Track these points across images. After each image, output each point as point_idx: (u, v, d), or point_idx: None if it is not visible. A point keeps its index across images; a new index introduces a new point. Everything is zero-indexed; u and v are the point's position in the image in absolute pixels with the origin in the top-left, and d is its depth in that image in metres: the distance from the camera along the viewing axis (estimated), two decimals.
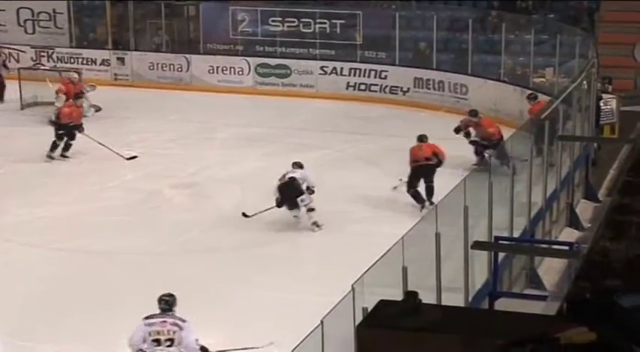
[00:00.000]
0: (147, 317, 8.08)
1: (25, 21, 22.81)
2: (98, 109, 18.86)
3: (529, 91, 17.13)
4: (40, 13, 22.71)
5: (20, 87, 19.17)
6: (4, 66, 20.33)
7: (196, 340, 8.19)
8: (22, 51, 22.13)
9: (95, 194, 14.16)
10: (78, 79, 18.64)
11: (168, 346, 7.93)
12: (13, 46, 22.11)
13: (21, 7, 22.72)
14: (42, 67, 20.82)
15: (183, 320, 8.09)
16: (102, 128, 17.49)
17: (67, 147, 15.84)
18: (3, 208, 13.51)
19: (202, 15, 22.22)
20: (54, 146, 15.69)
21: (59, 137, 15.74)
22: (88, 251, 11.88)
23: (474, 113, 15.52)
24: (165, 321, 8.03)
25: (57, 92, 17.89)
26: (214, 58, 21.51)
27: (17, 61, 21.70)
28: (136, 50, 22.14)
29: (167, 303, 8.14)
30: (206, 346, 8.52)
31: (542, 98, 15.74)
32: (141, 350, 8.09)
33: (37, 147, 16.09)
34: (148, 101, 20.17)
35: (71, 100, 16.79)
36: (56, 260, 11.65)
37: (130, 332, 8.29)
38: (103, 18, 23.03)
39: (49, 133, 15.96)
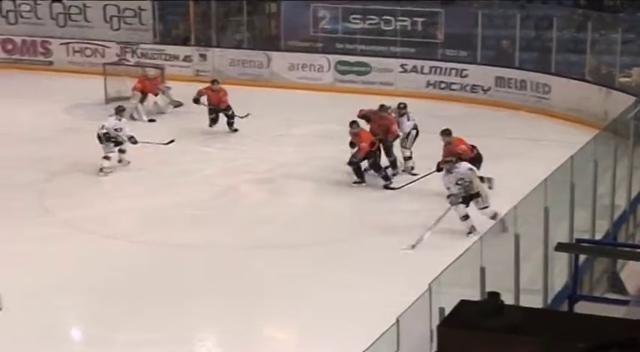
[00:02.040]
0: None
1: (111, 17, 23.22)
2: (179, 105, 19.09)
3: (614, 91, 16.74)
4: (125, 9, 23.11)
5: (105, 82, 19.52)
6: None
7: None
8: (107, 46, 22.59)
9: (173, 188, 14.30)
10: (155, 75, 18.88)
11: None
12: (99, 42, 22.64)
13: (107, 4, 23.14)
14: (126, 63, 21.16)
15: None
16: (182, 123, 17.74)
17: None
18: (85, 201, 13.77)
19: (283, 12, 22.30)
20: None
21: None
22: (165, 243, 12.03)
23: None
24: None
25: (133, 90, 18.29)
26: (294, 55, 21.57)
27: (102, 57, 22.15)
28: (217, 47, 22.36)
29: None
30: None
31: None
32: None
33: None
34: (229, 97, 20.27)
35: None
36: (134, 252, 11.82)
37: (203, 325, 8.35)
38: (186, 15, 23.30)
39: (130, 127, 16.21)
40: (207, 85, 17.76)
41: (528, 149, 16.16)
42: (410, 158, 14.80)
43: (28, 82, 21.32)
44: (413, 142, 14.90)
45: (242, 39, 22.88)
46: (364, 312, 9.60)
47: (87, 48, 22.86)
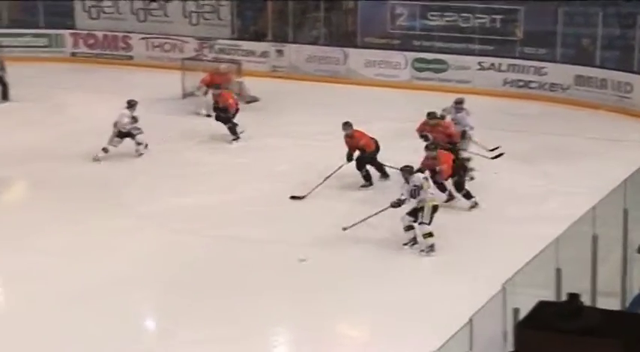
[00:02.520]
0: None
1: (190, 13, 23.48)
2: (254, 100, 19.23)
3: None
4: (204, 5, 23.34)
5: (183, 77, 19.72)
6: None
7: None
8: (185, 42, 22.81)
9: (245, 183, 14.39)
10: (226, 70, 18.89)
11: None
12: (178, 37, 22.92)
13: (187, 0, 23.42)
14: (204, 58, 21.35)
15: None
16: (257, 119, 17.86)
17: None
18: (156, 195, 13.93)
19: (360, 9, 22.25)
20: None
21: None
22: (234, 238, 12.09)
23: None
24: None
25: (200, 82, 18.57)
26: (371, 52, 21.51)
27: (181, 52, 22.40)
28: (294, 43, 22.42)
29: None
30: None
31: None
32: None
33: (190, 137, 16.61)
34: (304, 93, 20.39)
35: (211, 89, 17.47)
36: (203, 246, 11.94)
37: (274, 321, 8.33)
38: (264, 11, 23.43)
39: (204, 123, 16.42)
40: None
41: (608, 149, 15.83)
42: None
43: (108, 76, 21.71)
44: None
45: (319, 35, 22.91)
46: (438, 312, 9.53)
47: (166, 43, 23.13)
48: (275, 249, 11.79)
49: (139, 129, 15.43)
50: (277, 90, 20.21)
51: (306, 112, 18.69)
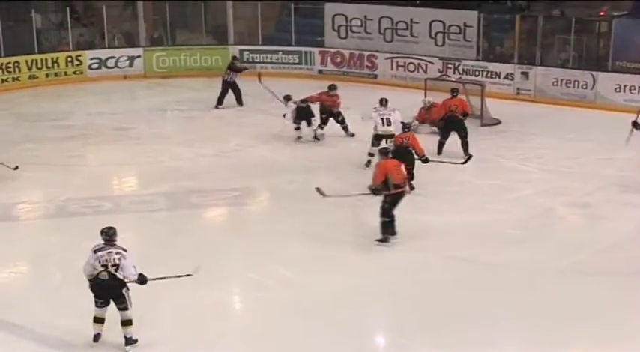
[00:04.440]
0: (95, 251, 9.35)
1: (437, 33, 23.51)
2: (496, 122, 18.96)
3: None
4: (450, 26, 23.28)
5: (425, 95, 19.69)
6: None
7: (134, 267, 9.34)
8: (430, 62, 22.94)
9: (490, 205, 14.15)
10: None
11: (115, 270, 9.29)
12: (422, 57, 23.09)
13: (434, 21, 23.44)
14: (447, 79, 21.26)
15: (125, 250, 9.38)
16: (499, 141, 17.56)
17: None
18: (398, 212, 13.95)
19: (614, 31, 21.35)
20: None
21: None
22: (474, 260, 11.89)
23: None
24: (111, 251, 9.34)
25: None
26: (623, 77, 20.56)
27: (425, 72, 22.54)
28: (540, 65, 21.88)
29: (108, 235, 9.42)
30: (144, 274, 9.38)
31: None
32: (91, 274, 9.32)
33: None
34: (549, 117, 19.82)
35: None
36: (439, 265, 11.82)
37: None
38: (511, 32, 23.06)
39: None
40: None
41: None
42: None
43: (352, 94, 22.11)
44: None
45: (567, 58, 22.21)
46: None
47: (410, 63, 23.33)
48: (514, 274, 11.48)
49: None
50: (521, 113, 19.82)
51: (550, 137, 18.16)
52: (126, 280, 9.34)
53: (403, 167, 12.75)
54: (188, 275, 9.74)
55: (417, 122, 17.98)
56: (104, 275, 9.31)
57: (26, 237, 12.95)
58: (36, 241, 12.73)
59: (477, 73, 22.15)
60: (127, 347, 9.48)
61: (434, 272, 11.59)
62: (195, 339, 9.75)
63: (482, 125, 18.89)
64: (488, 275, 11.47)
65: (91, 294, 9.46)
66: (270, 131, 18.59)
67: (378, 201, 12.28)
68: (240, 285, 11.50)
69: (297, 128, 17.78)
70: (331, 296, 10.73)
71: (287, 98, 18.02)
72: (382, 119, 15.47)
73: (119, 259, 9.30)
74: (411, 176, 13.81)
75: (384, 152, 12.72)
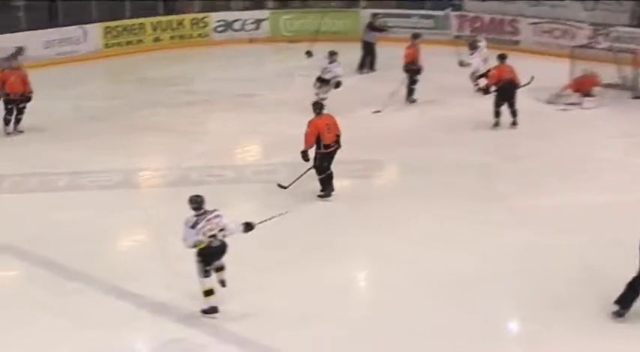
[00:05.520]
0: (192, 226, 8.96)
1: None
2: None
3: None
4: None
5: (572, 66, 18.21)
6: None
7: (233, 221, 9.18)
8: (578, 28, 21.49)
9: (635, 184, 13.03)
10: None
11: (224, 236, 9.11)
12: (570, 22, 21.71)
13: None
14: (596, 46, 19.72)
15: (216, 210, 9.12)
16: None
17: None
18: (543, 190, 12.80)
19: None
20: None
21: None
22: (619, 242, 10.34)
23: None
24: (209, 219, 9.03)
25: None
26: None
27: (572, 39, 21.04)
28: None
29: (197, 202, 9.06)
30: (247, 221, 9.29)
31: None
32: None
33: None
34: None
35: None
36: (576, 246, 10.74)
37: None
38: None
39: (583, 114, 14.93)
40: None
41: None
42: None
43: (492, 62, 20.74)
44: None
45: None
46: None
47: (556, 29, 21.93)
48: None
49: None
50: None
51: None
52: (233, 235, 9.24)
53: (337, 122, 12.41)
54: (282, 213, 9.89)
55: (569, 90, 17.02)
56: (216, 243, 9.12)
57: (146, 205, 12.67)
58: (156, 210, 12.35)
59: (630, 41, 20.41)
60: (224, 289, 9.34)
61: (571, 255, 10.52)
62: (316, 312, 9.26)
63: (634, 97, 17.56)
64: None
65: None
66: (401, 99, 17.76)
67: None
68: (363, 260, 10.90)
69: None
70: (456, 278, 9.95)
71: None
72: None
73: (219, 222, 9.11)
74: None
75: (318, 107, 12.43)
